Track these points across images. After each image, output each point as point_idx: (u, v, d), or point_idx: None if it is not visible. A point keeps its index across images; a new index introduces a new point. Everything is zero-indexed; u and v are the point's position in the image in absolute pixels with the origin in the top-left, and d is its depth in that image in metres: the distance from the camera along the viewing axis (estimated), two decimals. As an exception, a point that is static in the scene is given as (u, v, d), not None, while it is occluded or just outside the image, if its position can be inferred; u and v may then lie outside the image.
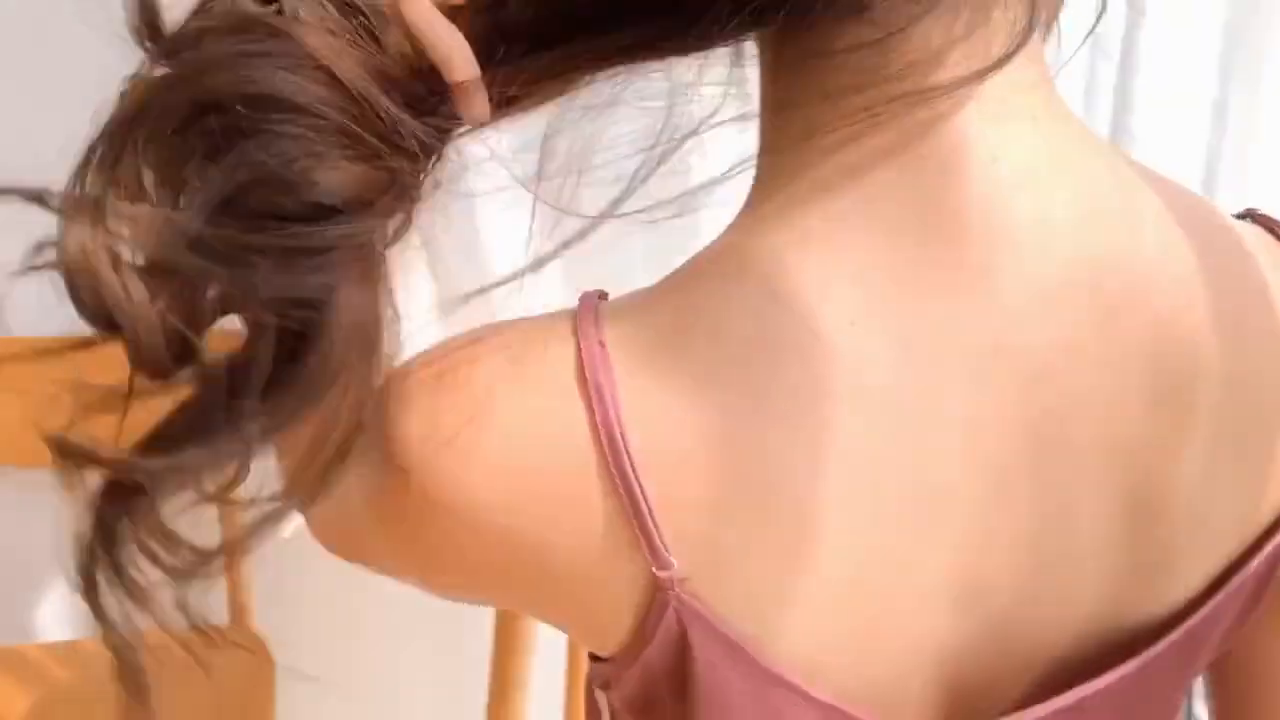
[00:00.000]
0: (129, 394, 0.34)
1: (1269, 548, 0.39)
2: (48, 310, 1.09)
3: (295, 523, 0.39)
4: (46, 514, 1.18)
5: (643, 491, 0.34)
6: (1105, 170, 0.37)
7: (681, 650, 0.36)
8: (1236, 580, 0.39)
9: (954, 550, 0.37)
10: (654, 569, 0.35)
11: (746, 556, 0.36)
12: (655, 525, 0.35)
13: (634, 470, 0.34)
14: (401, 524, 0.38)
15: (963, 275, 0.35)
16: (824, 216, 0.35)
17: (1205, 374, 0.37)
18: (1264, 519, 0.39)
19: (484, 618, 1.29)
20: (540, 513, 0.36)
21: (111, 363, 1.22)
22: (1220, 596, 0.39)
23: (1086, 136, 0.38)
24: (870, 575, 0.36)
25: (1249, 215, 0.42)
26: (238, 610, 1.31)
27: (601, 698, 0.42)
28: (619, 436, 0.34)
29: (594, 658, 0.42)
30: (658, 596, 0.36)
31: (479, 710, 1.21)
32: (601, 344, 0.34)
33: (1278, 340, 0.38)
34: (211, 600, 1.12)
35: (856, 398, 0.35)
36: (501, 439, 0.35)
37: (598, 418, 0.34)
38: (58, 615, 1.35)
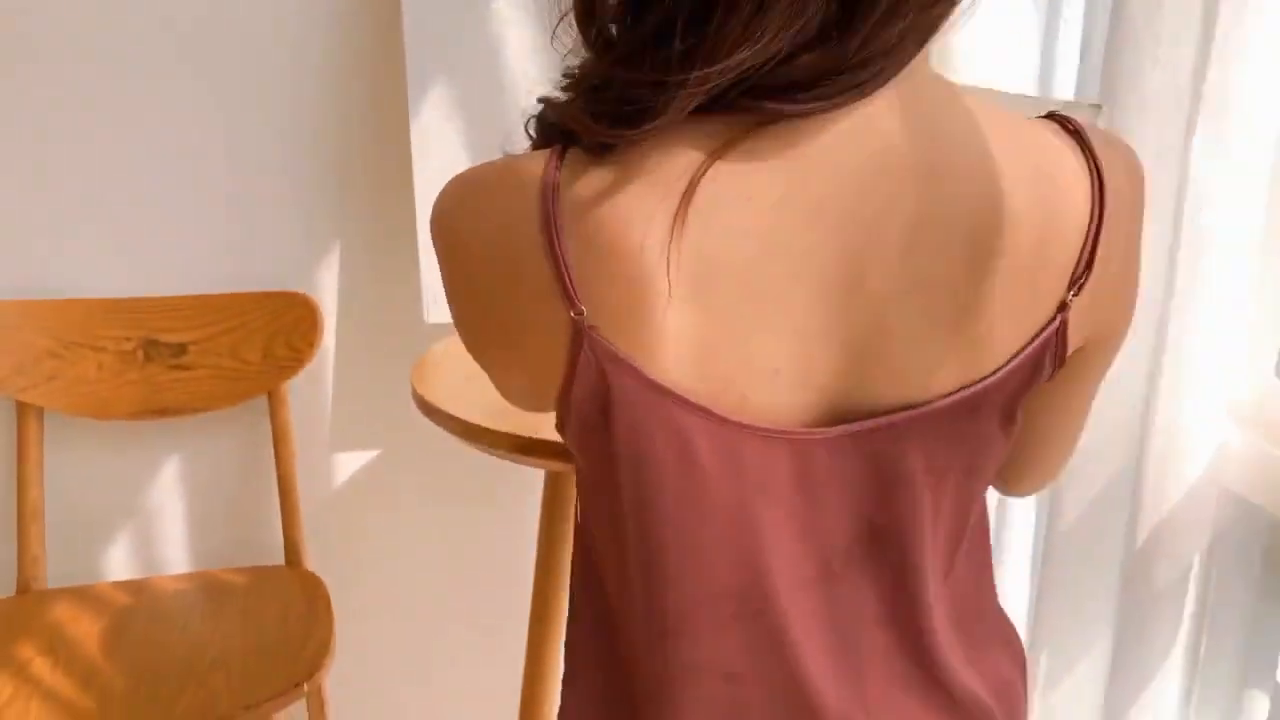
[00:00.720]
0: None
1: (1037, 342, 0.55)
2: (119, 274, 1.26)
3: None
4: (118, 462, 1.35)
5: (565, 263, 0.51)
6: (940, 101, 0.53)
7: (600, 376, 0.52)
8: (1013, 363, 0.55)
9: (789, 342, 0.52)
10: (572, 313, 0.51)
11: (629, 317, 0.51)
12: (573, 285, 0.51)
13: (561, 250, 0.50)
14: (444, 260, 0.56)
15: (806, 160, 0.51)
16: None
17: (992, 221, 0.52)
18: (1039, 321, 0.55)
19: (524, 572, 1.42)
20: (500, 273, 0.53)
21: (179, 322, 1.39)
22: (1000, 375, 0.55)
23: (937, 83, 0.53)
24: (719, 351, 0.52)
25: (1049, 116, 0.57)
26: (293, 551, 1.46)
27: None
28: (553, 225, 0.50)
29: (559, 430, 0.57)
30: (576, 337, 0.52)
31: (517, 652, 1.35)
32: (558, 168, 0.51)
33: (1054, 197, 0.53)
34: (270, 542, 1.30)
35: (717, 221, 0.50)
36: (492, 214, 0.53)
37: (544, 211, 0.51)
38: (126, 557, 1.49)
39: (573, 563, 0.65)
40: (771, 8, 0.46)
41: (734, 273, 0.51)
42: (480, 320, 0.57)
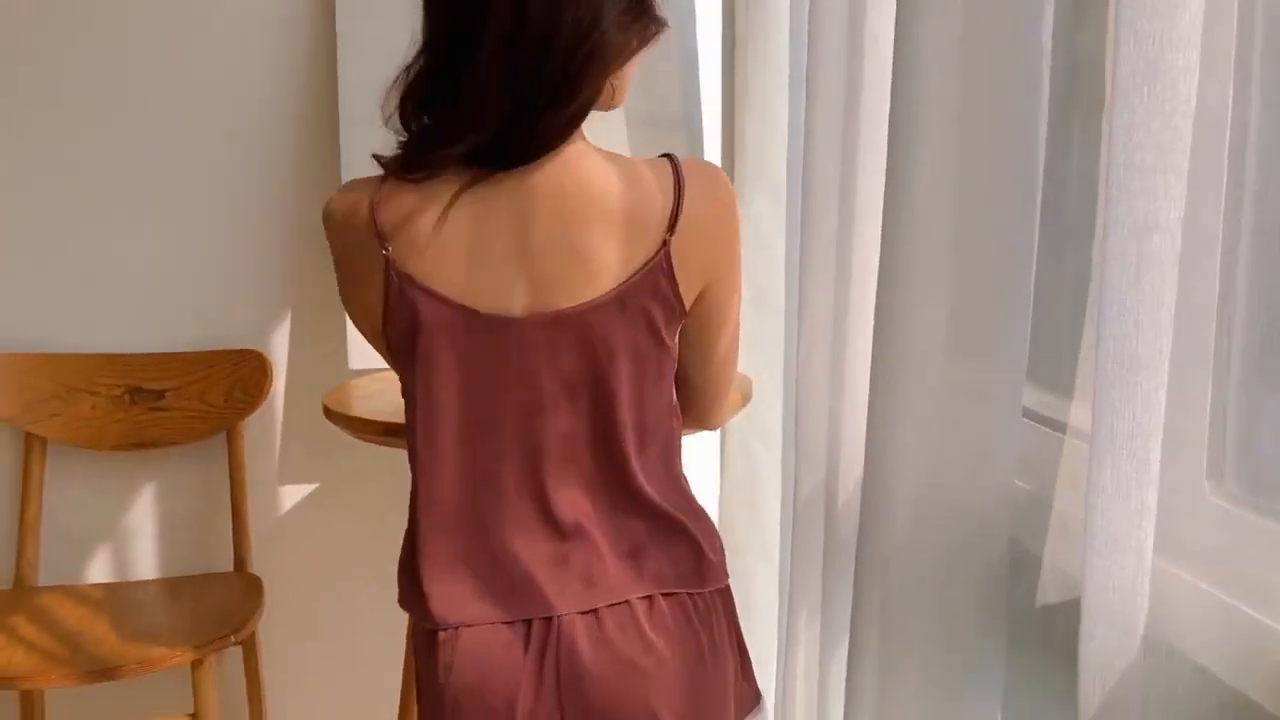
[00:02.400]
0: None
1: (648, 265, 0.91)
2: (111, 334, 1.69)
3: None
4: (105, 484, 1.74)
5: (379, 228, 0.90)
6: (582, 154, 0.92)
7: (401, 296, 0.90)
8: (632, 279, 0.90)
9: (499, 275, 0.90)
10: (384, 250, 0.90)
11: (418, 257, 0.90)
12: (384, 239, 0.91)
13: (377, 221, 0.90)
14: (329, 238, 0.97)
15: (514, 185, 0.89)
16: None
17: (597, 209, 0.90)
18: (647, 254, 0.91)
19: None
20: (350, 237, 0.94)
21: (158, 373, 1.81)
22: (622, 285, 0.91)
23: (584, 145, 0.93)
24: (472, 283, 0.90)
25: (665, 156, 0.95)
26: (240, 559, 1.78)
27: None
28: (372, 210, 0.91)
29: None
30: (388, 269, 0.90)
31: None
32: (379, 186, 0.93)
33: (642, 200, 0.90)
34: (223, 553, 1.67)
35: (465, 213, 0.90)
36: (343, 205, 0.94)
37: (370, 203, 0.91)
38: (105, 562, 1.81)
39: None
40: (477, 122, 0.86)
41: (468, 243, 0.89)
42: (344, 272, 0.96)
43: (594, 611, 0.89)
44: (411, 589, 0.94)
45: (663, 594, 0.91)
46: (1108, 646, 0.67)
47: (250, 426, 1.81)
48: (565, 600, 0.90)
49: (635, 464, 0.93)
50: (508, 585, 0.91)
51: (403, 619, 1.09)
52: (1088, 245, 0.84)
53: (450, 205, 0.89)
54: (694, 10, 1.76)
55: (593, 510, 0.93)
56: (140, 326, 1.78)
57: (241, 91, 1.77)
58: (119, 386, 1.78)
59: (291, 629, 1.82)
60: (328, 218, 0.96)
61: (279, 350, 1.83)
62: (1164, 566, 0.67)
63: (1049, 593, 0.81)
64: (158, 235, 1.77)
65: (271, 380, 1.80)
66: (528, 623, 0.90)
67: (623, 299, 0.90)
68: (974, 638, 0.89)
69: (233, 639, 1.52)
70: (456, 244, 0.90)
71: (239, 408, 1.79)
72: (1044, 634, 0.83)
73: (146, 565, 1.83)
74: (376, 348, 0.99)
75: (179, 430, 1.79)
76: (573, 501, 0.92)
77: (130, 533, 1.82)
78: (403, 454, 0.97)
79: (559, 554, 0.91)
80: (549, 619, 0.89)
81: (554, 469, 0.92)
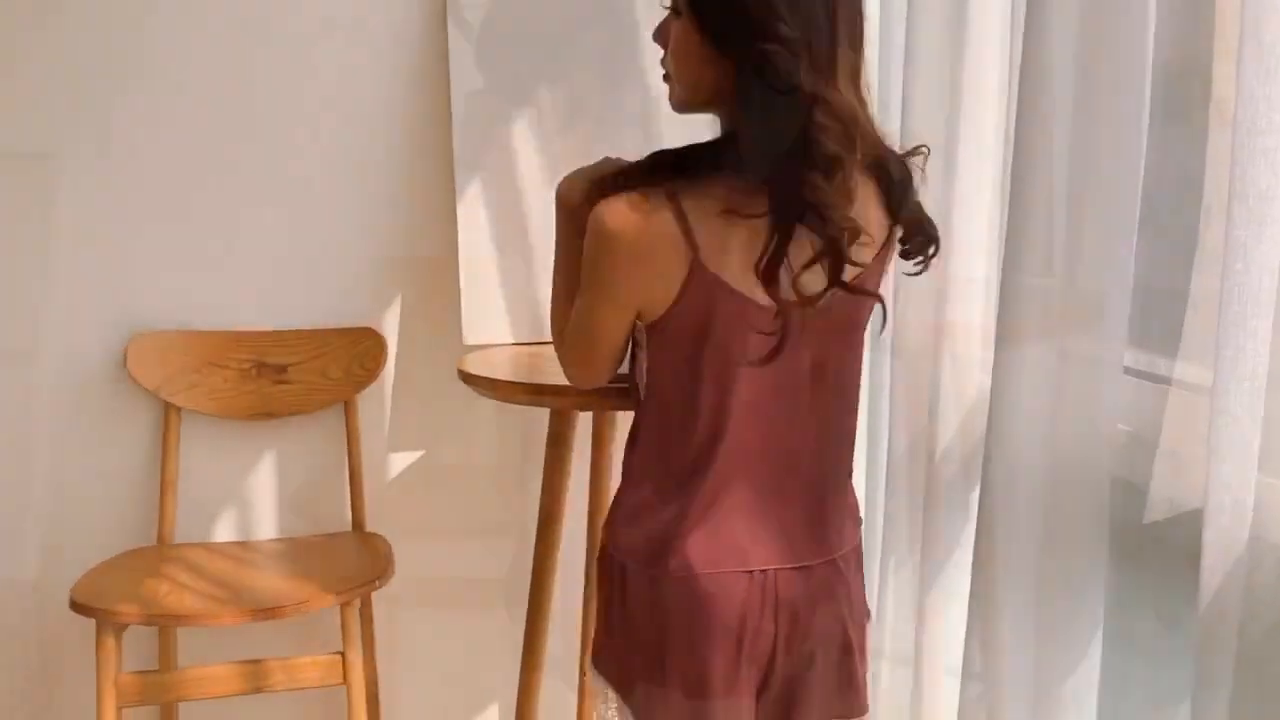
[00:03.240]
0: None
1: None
2: (242, 312, 1.91)
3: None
4: (234, 450, 1.96)
5: (692, 237, 1.00)
6: None
7: (706, 293, 1.00)
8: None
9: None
10: (694, 255, 1.00)
11: (722, 260, 1.01)
12: (697, 246, 1.00)
13: (689, 227, 1.01)
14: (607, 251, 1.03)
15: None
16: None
17: None
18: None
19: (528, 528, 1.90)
20: (650, 235, 1.01)
21: (283, 349, 2.05)
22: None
23: None
24: (736, 273, 1.01)
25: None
26: (358, 520, 1.95)
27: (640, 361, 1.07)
28: (677, 213, 1.01)
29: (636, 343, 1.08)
30: (691, 269, 1.00)
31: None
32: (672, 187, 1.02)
33: None
34: (340, 515, 1.86)
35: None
36: (640, 208, 1.02)
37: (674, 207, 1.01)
38: (234, 522, 1.98)
39: (636, 414, 1.13)
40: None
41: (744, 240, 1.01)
42: (627, 267, 1.02)
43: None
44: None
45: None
46: (1219, 546, 0.86)
47: (365, 398, 1.98)
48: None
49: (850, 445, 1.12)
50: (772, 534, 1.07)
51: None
52: (1181, 231, 1.02)
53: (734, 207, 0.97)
54: None
55: (826, 483, 1.10)
56: (267, 306, 1.95)
57: (361, 92, 1.93)
58: (248, 361, 1.94)
59: (400, 583, 2.00)
60: (617, 220, 1.00)
61: (391, 328, 2.00)
62: (1266, 480, 0.86)
63: (1155, 512, 0.99)
64: (283, 224, 1.94)
65: (386, 356, 1.97)
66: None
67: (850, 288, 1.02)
68: (1080, 554, 1.08)
69: (377, 583, 1.69)
70: (737, 241, 0.99)
71: (356, 381, 1.96)
72: (1148, 550, 1.02)
73: (270, 525, 2.00)
74: (612, 333, 1.09)
75: (301, 401, 1.95)
76: (822, 474, 1.09)
77: (256, 495, 1.99)
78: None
79: (810, 517, 1.08)
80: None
81: (812, 445, 1.09)
